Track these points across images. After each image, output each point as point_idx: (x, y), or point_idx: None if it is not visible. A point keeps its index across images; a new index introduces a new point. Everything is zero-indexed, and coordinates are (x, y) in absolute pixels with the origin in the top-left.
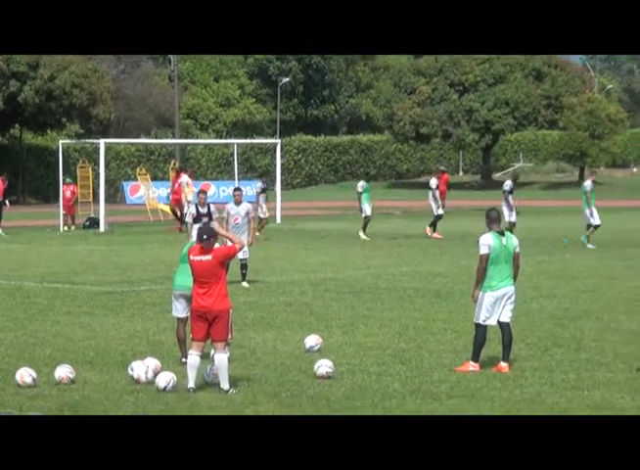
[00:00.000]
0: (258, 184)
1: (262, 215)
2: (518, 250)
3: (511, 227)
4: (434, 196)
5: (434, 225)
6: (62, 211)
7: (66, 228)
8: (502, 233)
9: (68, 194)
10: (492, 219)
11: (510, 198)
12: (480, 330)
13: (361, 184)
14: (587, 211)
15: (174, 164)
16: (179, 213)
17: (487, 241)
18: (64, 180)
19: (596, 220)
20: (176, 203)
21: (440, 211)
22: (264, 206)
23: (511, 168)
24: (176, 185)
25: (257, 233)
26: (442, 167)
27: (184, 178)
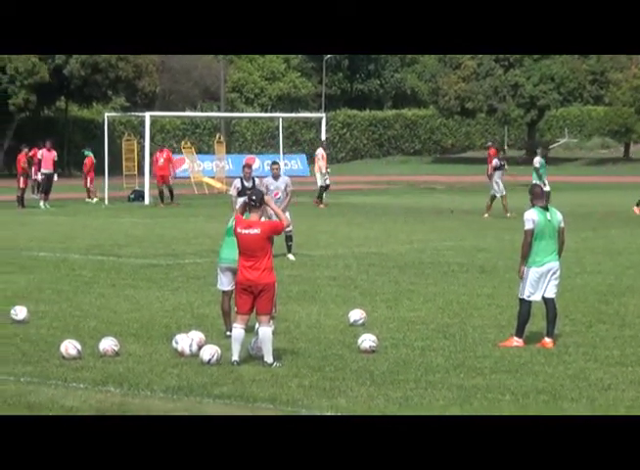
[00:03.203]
0: (495, 161)
1: (499, 194)
2: (563, 225)
3: None
4: None
5: None
6: (106, 184)
7: (92, 200)
8: (546, 208)
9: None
10: (536, 195)
11: None
12: (525, 305)
13: (538, 159)
14: None
15: (219, 137)
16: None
17: (532, 216)
18: (82, 152)
19: None
20: (162, 180)
21: None
22: (501, 183)
23: (556, 144)
24: (161, 160)
25: (508, 214)
26: (490, 143)
27: (319, 151)
